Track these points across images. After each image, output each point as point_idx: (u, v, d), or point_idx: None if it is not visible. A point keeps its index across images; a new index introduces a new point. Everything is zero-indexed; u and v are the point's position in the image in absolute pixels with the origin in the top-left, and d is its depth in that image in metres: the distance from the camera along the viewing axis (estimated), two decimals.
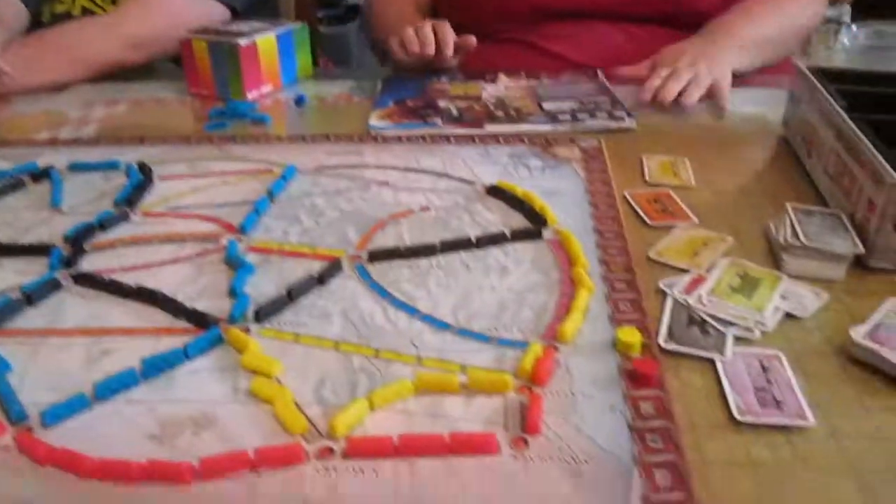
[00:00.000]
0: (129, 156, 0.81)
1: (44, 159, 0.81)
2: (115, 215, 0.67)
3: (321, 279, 0.56)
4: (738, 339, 0.51)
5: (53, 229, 0.66)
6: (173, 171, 0.78)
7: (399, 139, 0.84)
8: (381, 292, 0.56)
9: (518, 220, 0.66)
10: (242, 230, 0.64)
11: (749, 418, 0.44)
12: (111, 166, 0.78)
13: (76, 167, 0.79)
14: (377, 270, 0.59)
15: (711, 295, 0.54)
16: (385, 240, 0.63)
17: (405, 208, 0.68)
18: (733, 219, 0.66)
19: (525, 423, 0.43)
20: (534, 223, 0.64)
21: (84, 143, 0.87)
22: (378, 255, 0.60)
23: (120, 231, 0.65)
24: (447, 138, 0.84)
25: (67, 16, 1.18)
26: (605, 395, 0.45)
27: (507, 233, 0.62)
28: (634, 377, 0.46)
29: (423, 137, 0.84)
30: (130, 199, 0.70)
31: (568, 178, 0.73)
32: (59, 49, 1.04)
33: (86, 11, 1.18)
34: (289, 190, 0.72)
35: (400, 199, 0.70)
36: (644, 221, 0.65)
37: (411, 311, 0.54)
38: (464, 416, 0.44)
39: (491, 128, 0.86)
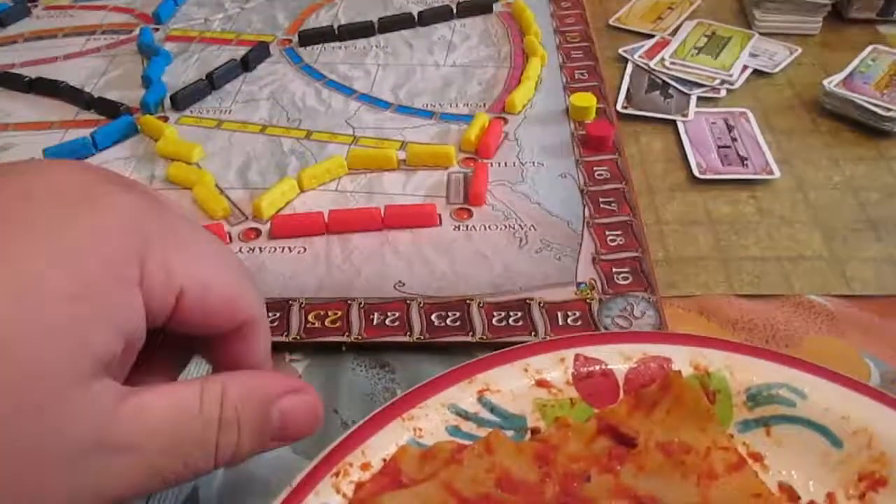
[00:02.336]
0: None
1: None
2: (14, 8, 0.59)
3: (246, 64, 0.51)
4: (705, 100, 0.47)
5: None
6: None
7: None
8: (314, 74, 0.50)
9: None
10: (158, 19, 0.57)
11: (710, 175, 0.41)
12: None
13: None
14: (309, 53, 0.53)
15: (675, 57, 0.49)
16: (318, 22, 0.56)
17: None
18: None
19: (468, 195, 0.39)
20: None
21: None
22: (309, 38, 0.54)
23: (21, 26, 0.58)
24: None
25: None
26: (556, 162, 0.42)
27: (454, 7, 0.56)
28: (588, 142, 0.43)
29: None
30: None
31: None
32: None
33: None
34: None
35: None
36: None
37: (347, 91, 0.48)
38: (403, 191, 0.40)
39: None
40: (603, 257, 0.36)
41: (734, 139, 0.43)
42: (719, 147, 0.43)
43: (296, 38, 0.54)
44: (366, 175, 0.42)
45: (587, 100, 0.44)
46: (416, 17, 0.55)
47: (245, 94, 0.49)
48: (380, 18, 0.54)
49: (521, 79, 0.47)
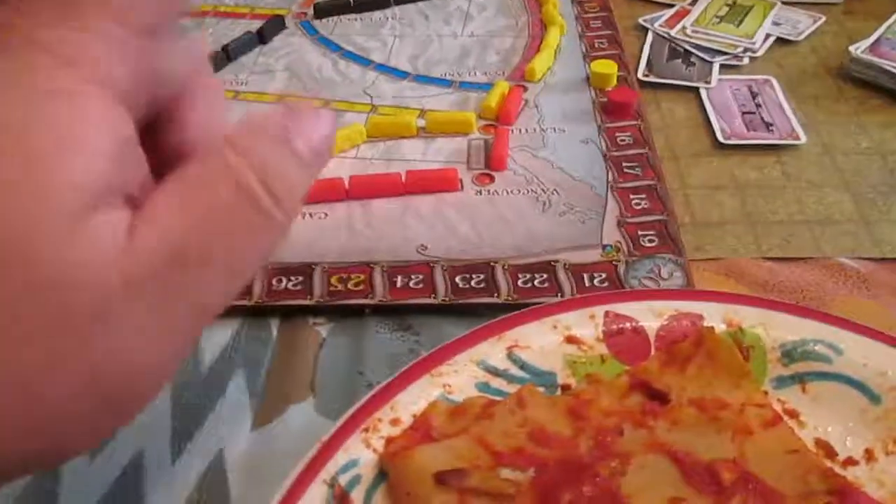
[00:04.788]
0: None
1: None
2: None
3: (262, 36, 0.50)
4: (727, 68, 0.46)
5: None
6: None
7: None
8: (331, 45, 0.50)
9: None
10: None
11: (734, 141, 0.40)
12: None
13: None
14: (325, 25, 0.52)
15: (696, 25, 0.49)
16: None
17: None
18: None
19: (490, 160, 0.39)
20: None
21: None
22: (325, 10, 0.53)
23: None
24: None
25: None
26: (578, 128, 0.41)
27: None
28: (610, 109, 0.42)
29: None
30: None
31: None
32: None
33: None
34: None
35: None
36: None
37: (364, 62, 0.48)
38: (423, 157, 0.40)
39: None
40: (628, 220, 0.35)
41: (759, 105, 0.42)
42: (744, 113, 0.42)
43: (311, 11, 0.53)
44: (385, 142, 0.41)
45: (608, 66, 0.44)
46: None
47: (261, 66, 0.48)
48: None
49: (540, 47, 0.47)
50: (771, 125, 0.41)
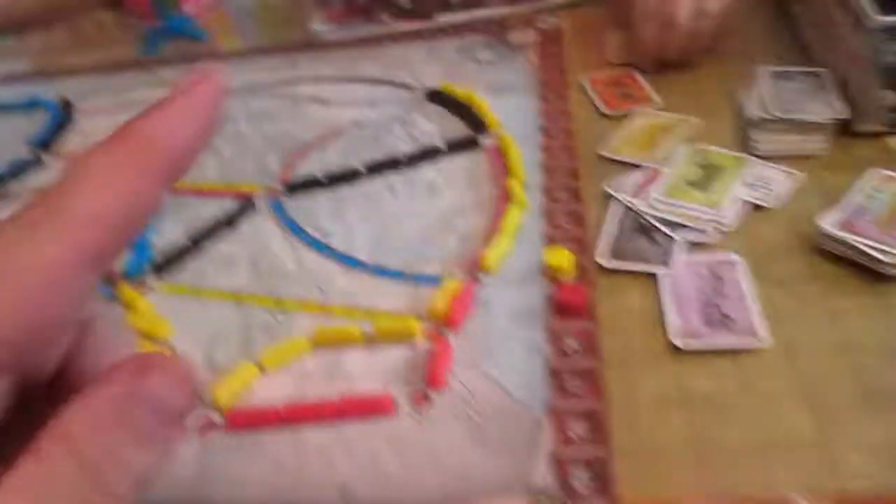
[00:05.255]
0: (58, 90, 0.76)
1: None
2: (28, 161, 0.62)
3: (230, 222, 0.51)
4: (696, 244, 0.44)
5: None
6: (99, 105, 0.72)
7: (342, 45, 0.76)
8: (294, 229, 0.50)
9: (458, 128, 0.58)
10: None
11: (690, 343, 0.38)
12: (34, 104, 0.73)
13: None
14: (295, 204, 0.53)
15: (664, 194, 0.47)
16: (310, 166, 0.57)
17: (336, 127, 0.61)
18: (703, 95, 0.57)
19: (428, 376, 0.38)
20: (474, 129, 0.57)
21: (15, 79, 0.82)
22: (297, 187, 0.54)
23: (34, 178, 0.61)
24: (393, 37, 0.76)
25: None
26: (525, 332, 0.40)
27: (442, 145, 0.55)
28: (560, 308, 0.41)
29: (368, 40, 0.76)
30: (47, 141, 0.65)
31: (519, 70, 0.64)
32: None
33: None
34: None
35: (331, 116, 0.63)
36: (600, 111, 0.57)
37: (324, 249, 0.48)
38: (364, 372, 0.39)
39: (442, 18, 0.77)
40: (563, 455, 0.33)
41: (720, 294, 0.40)
42: (703, 305, 0.40)
43: (283, 188, 0.54)
44: (329, 352, 0.41)
45: (561, 257, 0.42)
46: (405, 158, 0.54)
47: (225, 256, 0.49)
48: (366, 164, 0.54)
49: (499, 231, 0.46)
50: (730, 319, 0.39)
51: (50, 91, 0.75)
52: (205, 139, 0.18)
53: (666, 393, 0.36)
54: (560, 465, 0.33)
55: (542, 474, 0.33)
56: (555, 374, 0.37)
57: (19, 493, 0.15)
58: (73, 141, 0.67)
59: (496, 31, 0.72)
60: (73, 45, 0.90)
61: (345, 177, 0.54)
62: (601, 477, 0.32)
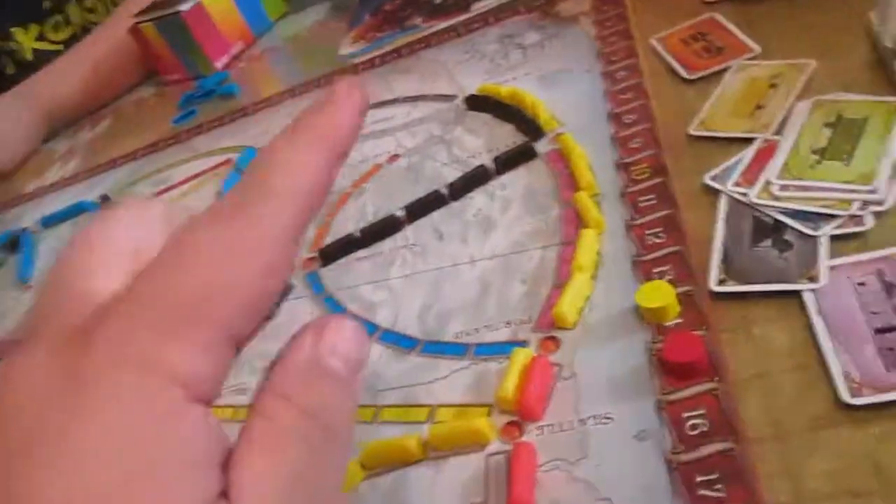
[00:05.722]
0: (100, 188, 0.72)
1: (27, 218, 0.74)
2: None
3: (269, 316, 0.43)
4: (842, 241, 0.32)
5: (25, 307, 0.59)
6: (137, 192, 0.67)
7: (372, 63, 0.67)
8: (336, 308, 0.42)
9: (508, 135, 0.48)
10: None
11: (868, 397, 0.26)
12: (79, 210, 0.69)
13: (48, 221, 0.71)
14: (333, 275, 0.45)
15: (784, 177, 0.35)
16: (346, 223, 0.48)
17: (371, 164, 0.53)
18: (815, 29, 0.43)
19: (510, 493, 0.28)
20: (527, 134, 0.47)
21: (63, 184, 0.79)
22: (331, 254, 0.45)
23: None
24: (427, 41, 0.66)
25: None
26: (629, 410, 0.29)
27: (490, 166, 0.45)
28: (670, 370, 0.30)
29: (399, 51, 0.67)
30: None
31: (573, 47, 0.53)
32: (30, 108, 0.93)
33: (37, 52, 1.04)
34: None
35: (365, 152, 0.54)
36: (682, 77, 0.45)
37: (370, 328, 0.39)
38: (430, 498, 0.30)
39: (478, 5, 0.67)
40: None
41: None
42: (878, 331, 0.28)
43: (318, 257, 0.46)
44: (386, 476, 0.32)
45: (660, 295, 0.31)
46: (447, 190, 0.45)
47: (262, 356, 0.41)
48: (406, 207, 0.45)
49: (572, 269, 0.35)
50: None
51: (96, 189, 0.72)
52: (356, 134, 0.20)
53: (848, 477, 0.25)
54: None
55: None
56: (679, 470, 0.26)
57: (261, 452, 0.17)
58: None
59: (542, 5, 0.61)
60: (117, 133, 0.87)
61: (384, 229, 0.45)
62: None
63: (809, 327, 0.29)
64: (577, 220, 0.39)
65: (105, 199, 0.68)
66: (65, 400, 0.16)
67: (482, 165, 0.45)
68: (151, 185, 0.68)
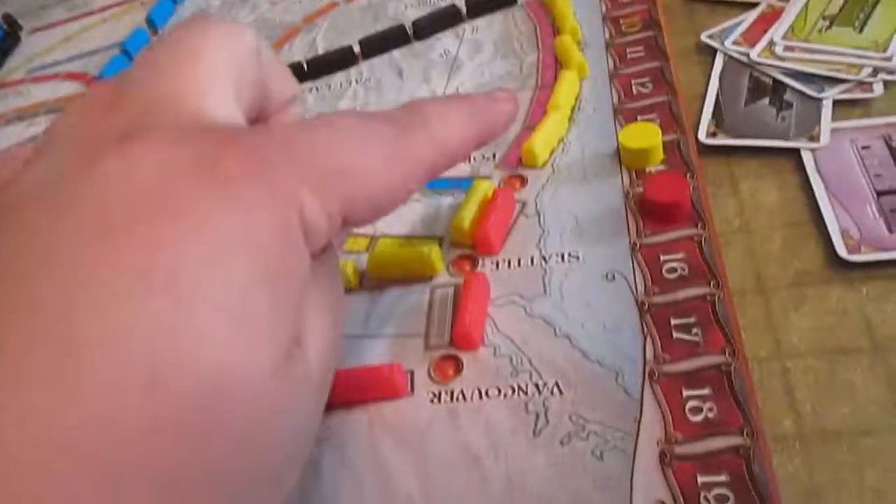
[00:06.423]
0: (4, 6, 0.63)
1: None
2: None
3: None
4: (846, 106, 0.29)
5: None
6: (50, 20, 0.59)
7: None
8: None
9: None
10: None
11: (865, 255, 0.24)
12: None
13: None
14: None
15: (791, 38, 0.32)
16: (291, 55, 0.43)
17: (325, 2, 0.47)
18: None
19: (454, 332, 0.25)
20: None
21: None
22: None
23: None
24: None
25: None
26: (600, 251, 0.26)
27: (462, 6, 0.40)
28: (649, 211, 0.26)
29: None
30: None
31: None
32: None
33: None
34: (180, 14, 0.53)
35: None
36: None
37: None
38: (364, 330, 0.26)
39: None
40: (681, 451, 0.20)
41: None
42: (881, 193, 0.25)
43: None
44: None
45: (645, 136, 0.28)
46: (411, 29, 0.40)
47: None
48: (361, 40, 0.40)
49: (548, 108, 0.32)
50: None
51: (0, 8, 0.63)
52: (498, 135, 0.22)
53: (837, 335, 0.22)
54: (678, 471, 0.20)
55: (650, 485, 0.20)
56: (653, 314, 0.23)
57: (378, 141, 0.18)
58: (16, 63, 0.54)
59: None
60: None
61: (335, 61, 0.40)
62: (750, 492, 0.19)
63: (803, 187, 0.27)
64: (556, 66, 0.35)
65: (9, 19, 0.59)
66: (200, 183, 0.15)
67: (452, 5, 0.40)
68: (65, 10, 0.60)
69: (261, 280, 0.14)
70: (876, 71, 0.29)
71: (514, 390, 0.23)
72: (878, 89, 0.29)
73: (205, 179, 0.15)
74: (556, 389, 0.22)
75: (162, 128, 0.16)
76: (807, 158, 0.27)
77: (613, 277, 0.25)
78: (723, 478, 0.19)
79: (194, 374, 0.13)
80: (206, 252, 0.14)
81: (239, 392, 0.14)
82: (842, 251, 0.24)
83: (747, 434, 0.20)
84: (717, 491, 0.19)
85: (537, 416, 0.22)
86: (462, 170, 0.31)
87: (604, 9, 0.37)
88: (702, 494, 0.19)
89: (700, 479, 0.19)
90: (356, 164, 0.17)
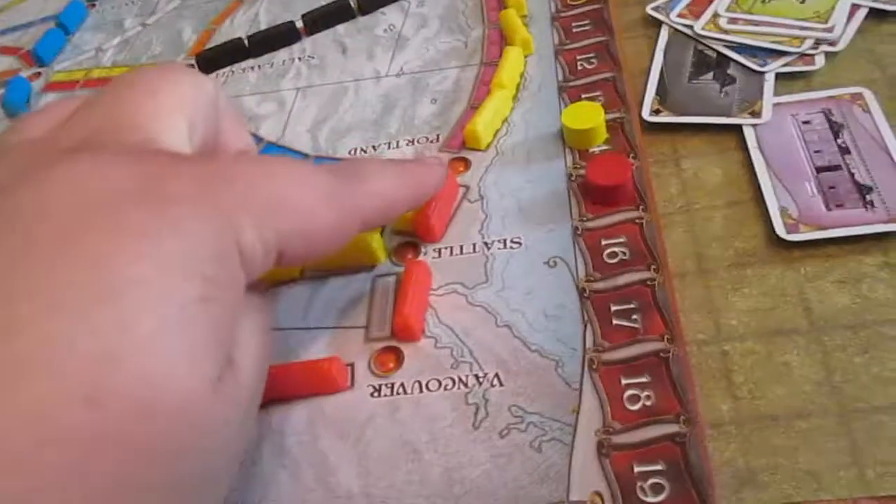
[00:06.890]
0: None
1: None
2: None
3: None
4: (789, 79, 0.29)
5: None
6: None
7: None
8: None
9: None
10: (39, 59, 0.44)
11: (805, 234, 0.24)
12: None
13: None
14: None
15: (735, 9, 0.31)
16: (232, 31, 0.41)
17: None
18: None
19: (395, 316, 0.24)
20: None
21: None
22: (212, 60, 0.39)
23: None
24: None
25: None
26: (542, 237, 0.26)
27: None
28: (592, 194, 0.26)
29: None
30: None
31: None
32: None
33: None
34: None
35: None
36: None
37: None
38: (303, 322, 0.26)
39: None
40: (618, 440, 0.20)
41: (844, 150, 0.26)
42: (820, 170, 0.25)
43: (193, 62, 0.39)
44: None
45: (588, 116, 0.28)
46: (356, 2, 0.39)
47: None
48: (305, 15, 0.39)
49: (491, 87, 0.31)
50: (869, 189, 0.24)
51: None
52: (429, 196, 0.25)
53: (773, 317, 0.22)
54: (615, 461, 0.20)
55: (587, 474, 0.20)
56: (594, 301, 0.23)
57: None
58: None
59: None
60: None
61: (276, 37, 0.38)
62: (686, 480, 0.19)
63: (746, 164, 0.26)
64: (501, 42, 0.34)
65: None
66: (144, 201, 0.15)
67: None
68: None
69: (199, 300, 0.15)
70: (817, 43, 0.29)
71: (454, 382, 0.23)
72: (820, 61, 0.29)
73: (148, 198, 0.15)
74: (496, 381, 0.22)
75: (112, 146, 0.17)
76: (748, 135, 0.27)
77: (555, 263, 0.25)
78: (659, 466, 0.19)
79: (132, 389, 0.13)
80: (146, 270, 0.14)
81: (175, 406, 0.14)
82: (781, 230, 0.24)
83: (684, 421, 0.20)
84: (652, 480, 0.19)
85: (477, 408, 0.22)
86: (405, 152, 0.30)
87: None
88: (638, 484, 0.19)
89: (636, 469, 0.19)
90: (295, 199, 0.18)
